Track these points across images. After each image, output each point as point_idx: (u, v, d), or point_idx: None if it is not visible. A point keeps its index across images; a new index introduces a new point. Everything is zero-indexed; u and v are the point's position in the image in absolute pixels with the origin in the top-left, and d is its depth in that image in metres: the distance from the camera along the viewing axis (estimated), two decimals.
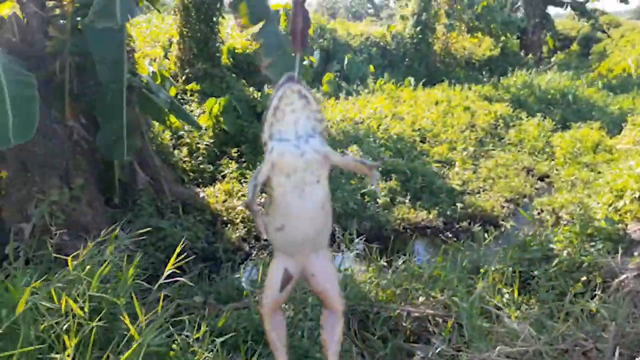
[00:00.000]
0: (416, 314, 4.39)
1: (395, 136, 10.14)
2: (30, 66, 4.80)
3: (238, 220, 7.04)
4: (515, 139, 11.21)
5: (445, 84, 14.75)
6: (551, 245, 4.76)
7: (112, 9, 4.76)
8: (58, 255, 3.70)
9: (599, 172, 8.58)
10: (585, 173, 8.74)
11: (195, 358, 3.01)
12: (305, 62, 12.82)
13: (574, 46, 25.33)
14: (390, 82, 14.25)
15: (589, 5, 22.44)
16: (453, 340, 3.76)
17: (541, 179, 9.42)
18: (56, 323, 2.96)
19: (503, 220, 7.56)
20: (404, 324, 4.31)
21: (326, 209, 2.15)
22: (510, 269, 4.54)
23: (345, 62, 14.80)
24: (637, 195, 5.62)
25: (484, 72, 17.66)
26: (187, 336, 3.30)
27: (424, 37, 17.54)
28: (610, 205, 5.50)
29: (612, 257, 4.25)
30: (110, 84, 5.35)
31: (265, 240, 2.31)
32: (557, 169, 9.61)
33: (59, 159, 5.26)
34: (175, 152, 8.50)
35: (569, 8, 21.92)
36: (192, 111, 9.52)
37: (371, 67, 15.64)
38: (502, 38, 19.96)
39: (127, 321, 2.98)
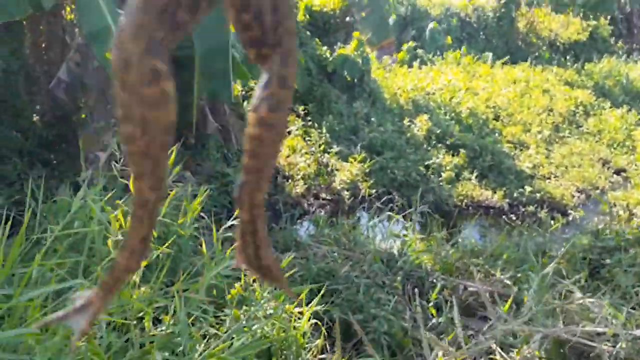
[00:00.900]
0: (473, 288, 4.29)
1: (467, 111, 9.80)
2: None
3: (299, 177, 7.08)
4: (594, 128, 10.57)
5: (526, 64, 14.04)
6: (627, 236, 4.48)
7: None
8: (129, 183, 3.83)
9: None
10: None
11: (255, 295, 3.06)
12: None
13: None
14: (468, 56, 13.70)
15: None
16: (510, 318, 3.64)
17: (617, 172, 8.86)
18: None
19: (572, 210, 7.21)
20: (460, 297, 4.23)
21: None
22: (581, 254, 4.32)
23: (428, 30, 14.32)
24: None
25: (568, 57, 16.63)
26: (245, 275, 3.37)
27: (508, 12, 16.67)
28: None
29: None
30: (214, 26, 5.40)
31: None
32: (636, 165, 9.00)
33: None
34: (244, 103, 8.59)
35: None
36: None
37: (449, 38, 15.07)
38: (592, 22, 18.64)
39: (192, 253, 3.07)
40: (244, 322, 2.86)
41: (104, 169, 4.95)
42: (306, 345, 3.23)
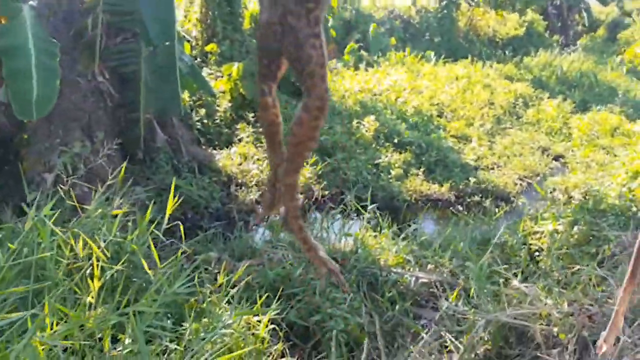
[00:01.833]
0: (424, 280, 4.49)
1: (412, 109, 10.10)
2: (65, 19, 4.88)
3: (252, 184, 7.14)
4: (533, 118, 11.11)
5: (467, 60, 14.56)
6: (562, 220, 4.79)
7: None
8: (78, 204, 3.80)
9: (615, 155, 8.49)
10: (601, 155, 8.67)
11: (213, 308, 3.12)
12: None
13: (601, 30, 24.65)
14: (412, 56, 14.09)
15: None
16: (460, 305, 3.85)
17: (556, 159, 9.36)
18: (79, 267, 3.07)
19: (515, 197, 7.59)
20: (412, 289, 4.42)
21: None
22: (520, 240, 4.59)
23: (369, 33, 14.61)
24: None
25: (507, 52, 17.35)
26: (203, 287, 3.42)
27: (449, 12, 17.24)
28: (624, 185, 5.49)
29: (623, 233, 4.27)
30: (163, 43, 5.47)
31: None
32: (572, 150, 9.52)
33: (82, 113, 5.36)
34: (193, 113, 8.57)
35: None
36: (211, 74, 9.56)
37: (393, 39, 15.43)
38: (528, 17, 19.51)
39: (147, 267, 3.09)
40: (202, 335, 2.92)
41: (50, 191, 4.88)
42: (265, 351, 3.32)
